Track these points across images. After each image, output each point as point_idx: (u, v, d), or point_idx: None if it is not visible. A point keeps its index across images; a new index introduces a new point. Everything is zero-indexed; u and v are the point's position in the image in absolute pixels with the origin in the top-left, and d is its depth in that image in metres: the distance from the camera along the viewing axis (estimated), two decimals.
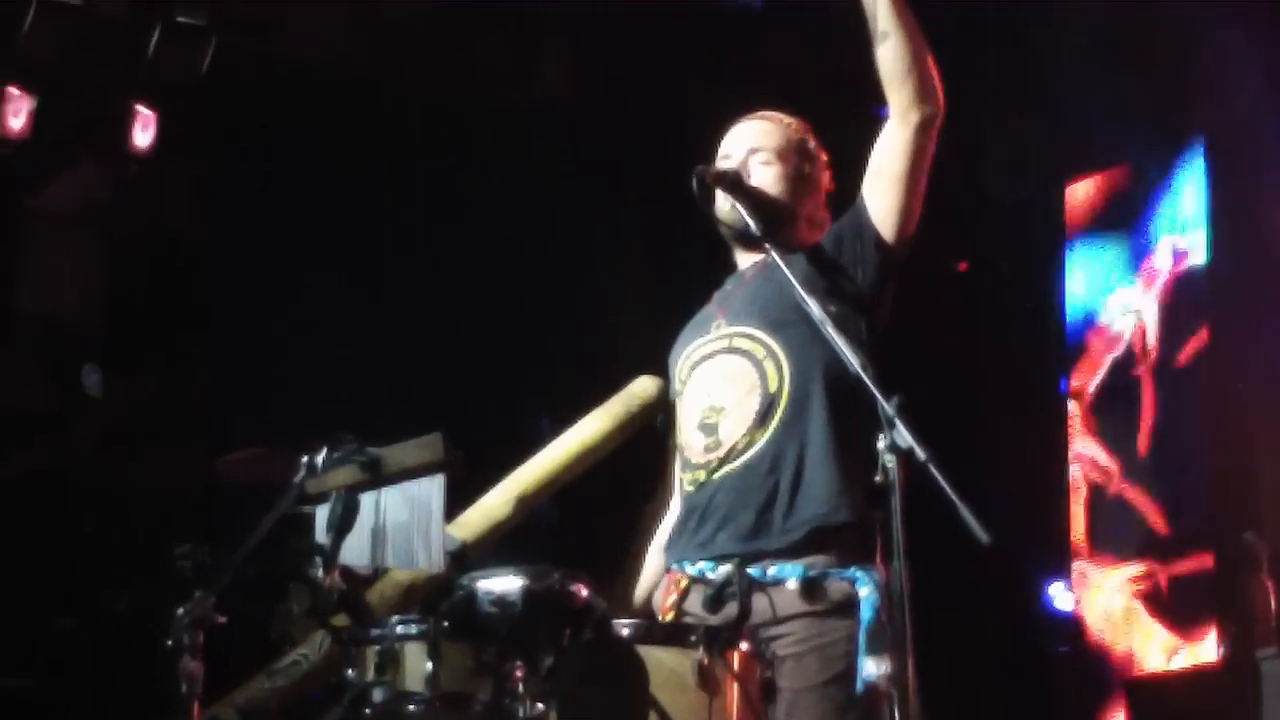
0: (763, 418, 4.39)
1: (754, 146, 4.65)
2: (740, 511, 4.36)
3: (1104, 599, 8.78)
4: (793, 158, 4.65)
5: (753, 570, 4.28)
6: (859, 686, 4.17)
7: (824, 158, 4.72)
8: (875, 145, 4.48)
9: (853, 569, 4.27)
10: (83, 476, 8.18)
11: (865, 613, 4.21)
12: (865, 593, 4.23)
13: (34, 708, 7.90)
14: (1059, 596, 8.84)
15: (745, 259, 4.67)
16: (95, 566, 8.00)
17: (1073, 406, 9.06)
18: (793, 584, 4.27)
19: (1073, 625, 8.82)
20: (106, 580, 7.87)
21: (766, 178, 4.60)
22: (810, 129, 4.73)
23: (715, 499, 4.40)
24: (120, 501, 8.07)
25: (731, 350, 4.50)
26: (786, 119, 4.74)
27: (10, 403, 8.14)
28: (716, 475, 4.41)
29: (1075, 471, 8.97)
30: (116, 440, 8.19)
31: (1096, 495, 8.95)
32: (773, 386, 4.40)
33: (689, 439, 4.52)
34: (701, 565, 4.39)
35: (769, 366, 4.42)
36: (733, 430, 4.41)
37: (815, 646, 4.23)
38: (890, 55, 4.39)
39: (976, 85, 8.45)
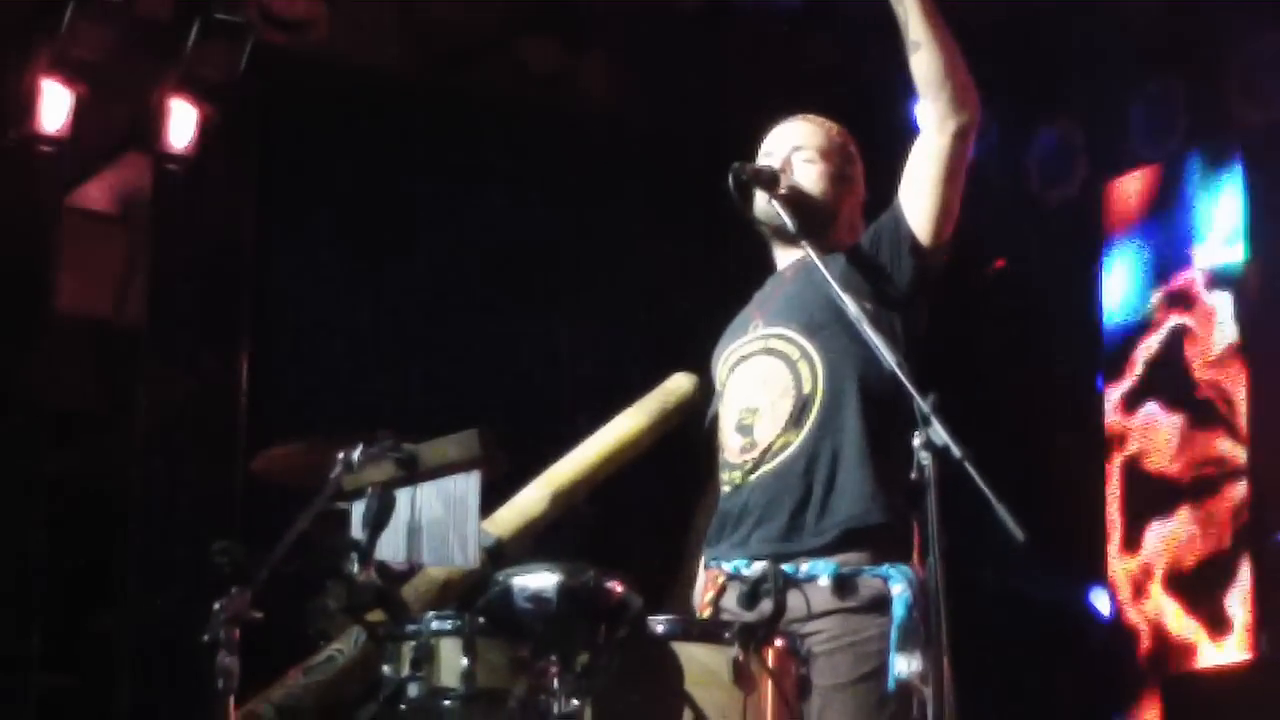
0: (797, 419, 4.39)
1: (798, 144, 4.64)
2: (774, 514, 4.35)
3: (1147, 595, 8.76)
4: (835, 158, 4.64)
5: (786, 567, 4.27)
6: (890, 684, 4.17)
7: (861, 166, 4.72)
8: (911, 151, 4.48)
9: (885, 566, 4.27)
10: (124, 474, 8.22)
11: (898, 610, 4.20)
12: (898, 590, 4.22)
13: (77, 705, 7.95)
14: (1096, 598, 8.82)
15: (784, 259, 4.67)
16: (135, 565, 8.04)
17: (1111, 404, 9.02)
18: (825, 580, 4.27)
19: (1110, 624, 8.79)
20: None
21: (809, 175, 4.60)
22: (850, 138, 4.73)
23: (750, 501, 4.40)
24: (161, 499, 8.11)
25: (767, 352, 4.50)
26: (828, 122, 4.73)
27: (52, 400, 8.17)
28: (752, 477, 4.41)
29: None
30: (158, 438, 8.22)
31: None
32: (807, 388, 4.40)
33: (727, 440, 4.52)
34: (737, 562, 4.39)
35: (803, 368, 4.42)
36: (767, 432, 4.41)
37: (847, 644, 4.23)
38: (924, 65, 4.38)
39: (1016, 84, 8.46)
